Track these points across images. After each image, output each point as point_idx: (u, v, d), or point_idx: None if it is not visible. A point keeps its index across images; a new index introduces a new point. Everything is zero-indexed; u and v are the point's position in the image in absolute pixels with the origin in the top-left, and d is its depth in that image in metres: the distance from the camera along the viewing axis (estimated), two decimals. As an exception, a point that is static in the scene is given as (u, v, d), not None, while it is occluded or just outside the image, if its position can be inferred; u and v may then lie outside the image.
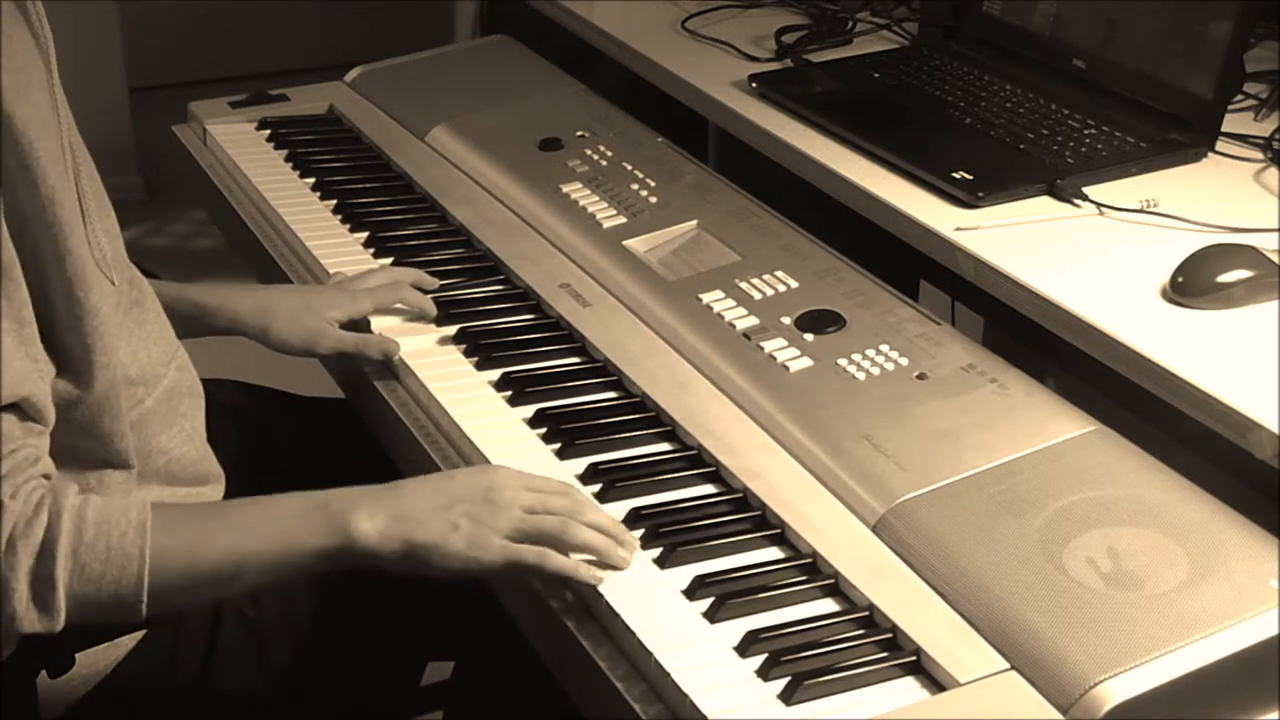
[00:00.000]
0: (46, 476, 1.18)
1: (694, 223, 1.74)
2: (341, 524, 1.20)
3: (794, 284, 1.58)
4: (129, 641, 1.34)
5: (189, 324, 1.52)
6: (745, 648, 1.15)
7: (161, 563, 1.15)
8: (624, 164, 1.88)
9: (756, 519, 1.31)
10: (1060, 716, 1.07)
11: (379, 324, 1.61)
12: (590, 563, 1.23)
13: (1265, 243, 1.48)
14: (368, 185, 1.96)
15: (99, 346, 1.21)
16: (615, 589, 1.21)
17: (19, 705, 1.29)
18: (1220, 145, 1.75)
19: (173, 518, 1.20)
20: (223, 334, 1.59)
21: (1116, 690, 1.06)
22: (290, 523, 1.21)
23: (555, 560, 1.21)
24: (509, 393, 1.49)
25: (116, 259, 1.29)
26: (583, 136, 1.97)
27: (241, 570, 1.19)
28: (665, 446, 1.41)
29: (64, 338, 1.20)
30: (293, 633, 1.44)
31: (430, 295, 1.64)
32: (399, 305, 1.62)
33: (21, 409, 1.15)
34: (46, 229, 1.17)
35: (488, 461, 1.37)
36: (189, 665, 1.38)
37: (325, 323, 1.57)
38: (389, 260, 1.76)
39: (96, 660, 1.32)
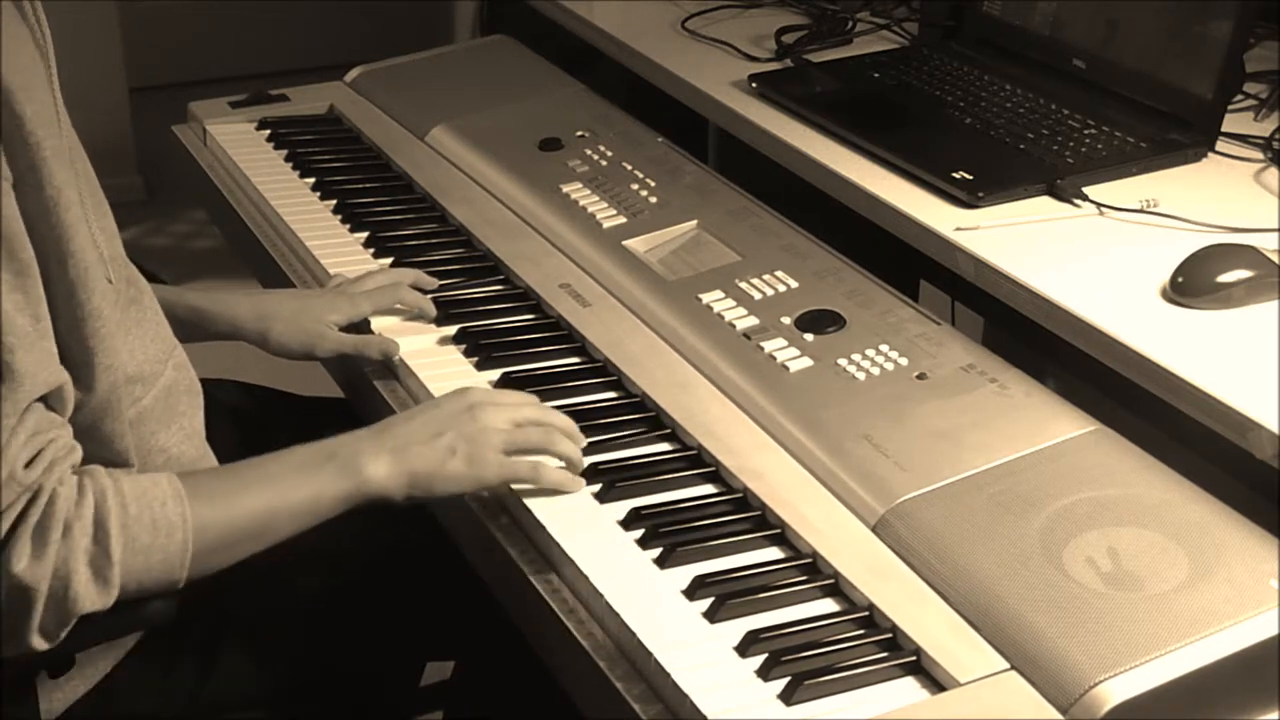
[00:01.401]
0: (74, 464, 1.19)
1: (694, 223, 1.74)
2: (355, 471, 1.27)
3: (794, 284, 1.58)
4: (129, 641, 1.34)
5: (188, 329, 1.52)
6: (745, 648, 1.15)
7: (200, 526, 1.20)
8: (624, 164, 1.88)
9: (756, 519, 1.31)
10: (1060, 716, 1.07)
11: (379, 324, 1.61)
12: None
13: (1265, 243, 1.48)
14: (368, 185, 1.96)
15: (101, 349, 1.22)
16: (616, 588, 1.21)
17: (19, 705, 1.29)
18: (1220, 145, 1.75)
19: (200, 483, 1.24)
20: (222, 339, 1.59)
21: (1116, 690, 1.06)
22: (306, 474, 1.27)
23: (549, 474, 1.32)
24: (509, 393, 1.49)
25: (114, 257, 1.29)
26: (583, 136, 1.97)
27: (271, 523, 1.25)
28: (665, 446, 1.41)
29: (66, 340, 1.20)
30: (292, 633, 1.44)
31: (430, 295, 1.64)
32: (398, 305, 1.62)
33: (48, 400, 1.17)
34: (50, 230, 1.17)
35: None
36: (189, 665, 1.38)
37: (324, 326, 1.58)
38: (389, 260, 1.76)
39: (96, 660, 1.33)
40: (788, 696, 1.11)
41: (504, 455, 1.31)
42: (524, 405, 1.36)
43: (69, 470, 1.17)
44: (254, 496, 1.25)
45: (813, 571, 1.24)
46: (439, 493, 1.30)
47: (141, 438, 1.32)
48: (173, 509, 1.19)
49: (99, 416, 1.24)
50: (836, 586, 1.22)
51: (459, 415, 1.31)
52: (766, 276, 1.60)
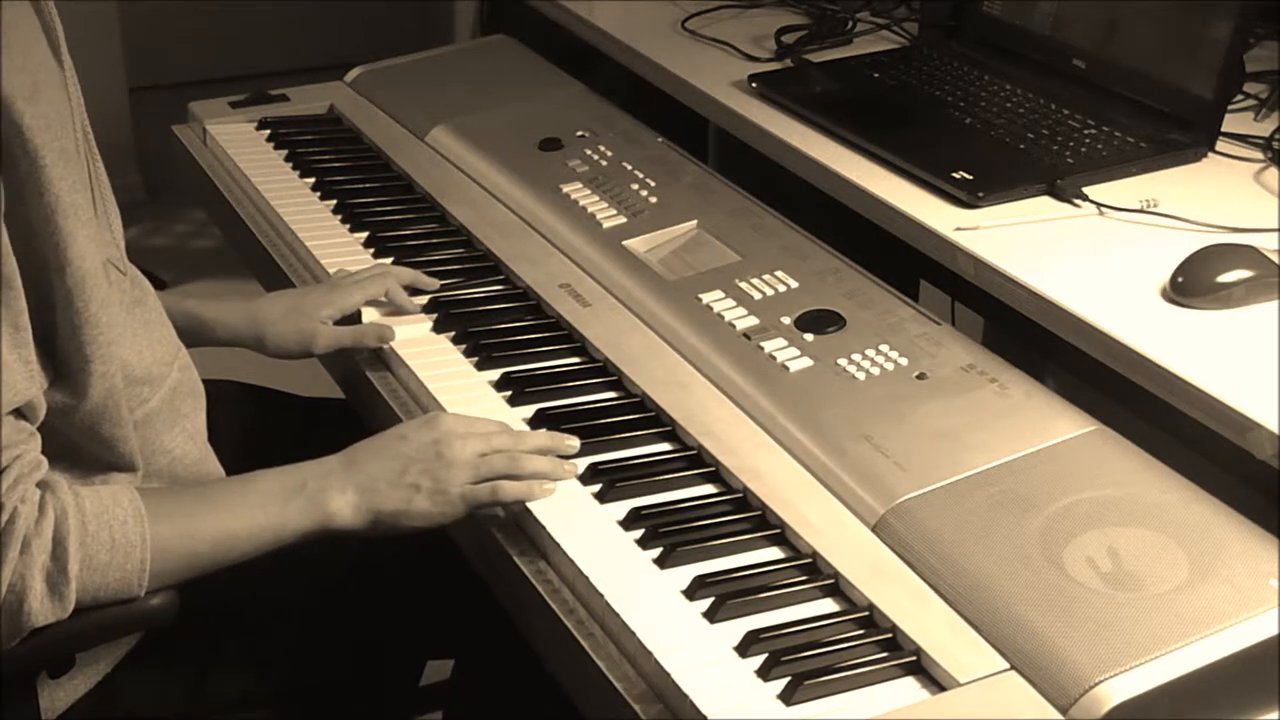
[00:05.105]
0: (39, 479, 1.20)
1: (694, 223, 1.74)
2: (320, 507, 1.28)
3: (794, 284, 1.58)
4: (129, 641, 1.34)
5: (187, 335, 1.52)
6: (745, 648, 1.15)
7: (160, 546, 1.21)
8: (624, 164, 1.88)
9: (756, 519, 1.31)
10: (1060, 716, 1.07)
11: (370, 319, 1.61)
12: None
13: (1265, 243, 1.48)
14: (368, 185, 1.96)
15: (97, 356, 1.22)
16: (616, 588, 1.21)
17: (19, 705, 1.29)
18: (1220, 145, 1.75)
19: (162, 503, 1.25)
20: (220, 345, 1.60)
21: (1116, 690, 1.06)
22: (273, 506, 1.27)
23: (508, 489, 1.31)
24: (509, 393, 1.49)
25: (122, 255, 1.30)
26: (583, 136, 1.97)
27: (230, 550, 1.26)
28: (665, 446, 1.41)
29: (63, 347, 1.20)
30: (291, 633, 1.44)
31: (430, 295, 1.65)
32: (384, 298, 1.63)
33: (19, 411, 1.17)
34: (50, 237, 1.17)
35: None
36: (188, 665, 1.38)
37: (317, 322, 1.58)
38: (389, 261, 1.76)
39: (96, 660, 1.33)
40: (788, 696, 1.11)
41: (469, 487, 1.30)
42: (494, 434, 1.34)
43: (32, 487, 1.17)
44: (216, 521, 1.26)
45: (813, 571, 1.24)
46: (404, 529, 1.31)
47: (146, 439, 1.33)
48: (132, 528, 1.20)
49: (96, 420, 1.24)
50: (836, 586, 1.22)
51: (426, 450, 1.31)
52: (766, 276, 1.60)
